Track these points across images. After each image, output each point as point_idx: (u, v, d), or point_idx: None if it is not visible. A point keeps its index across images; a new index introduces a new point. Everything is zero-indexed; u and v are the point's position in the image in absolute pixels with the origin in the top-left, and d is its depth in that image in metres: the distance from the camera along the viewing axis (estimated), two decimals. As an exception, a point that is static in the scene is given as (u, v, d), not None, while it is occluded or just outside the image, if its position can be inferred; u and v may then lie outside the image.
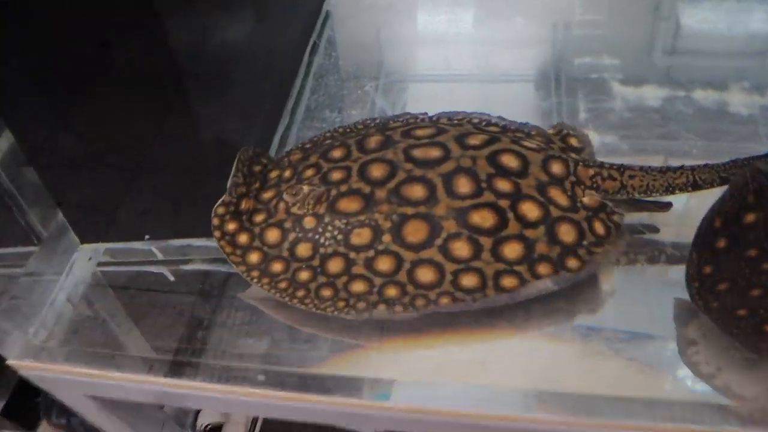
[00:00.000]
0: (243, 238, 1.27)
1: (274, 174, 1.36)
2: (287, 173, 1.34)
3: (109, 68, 1.25)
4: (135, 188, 1.40)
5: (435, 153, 1.27)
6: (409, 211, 1.22)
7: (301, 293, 1.20)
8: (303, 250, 1.24)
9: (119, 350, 1.28)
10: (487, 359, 1.18)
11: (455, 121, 1.46)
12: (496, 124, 1.46)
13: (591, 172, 1.29)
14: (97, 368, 1.24)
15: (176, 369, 1.23)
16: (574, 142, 1.41)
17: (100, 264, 1.42)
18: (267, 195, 1.31)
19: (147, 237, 1.43)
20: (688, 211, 1.35)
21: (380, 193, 1.24)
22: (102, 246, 1.44)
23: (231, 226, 1.28)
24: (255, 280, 1.23)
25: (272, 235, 1.26)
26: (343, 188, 1.26)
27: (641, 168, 1.30)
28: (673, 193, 1.28)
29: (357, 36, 2.07)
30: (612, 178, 1.29)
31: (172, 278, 1.39)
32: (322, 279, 1.21)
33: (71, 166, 1.35)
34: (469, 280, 1.17)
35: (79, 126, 1.31)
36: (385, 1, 2.11)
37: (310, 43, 1.97)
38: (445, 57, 1.92)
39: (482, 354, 1.19)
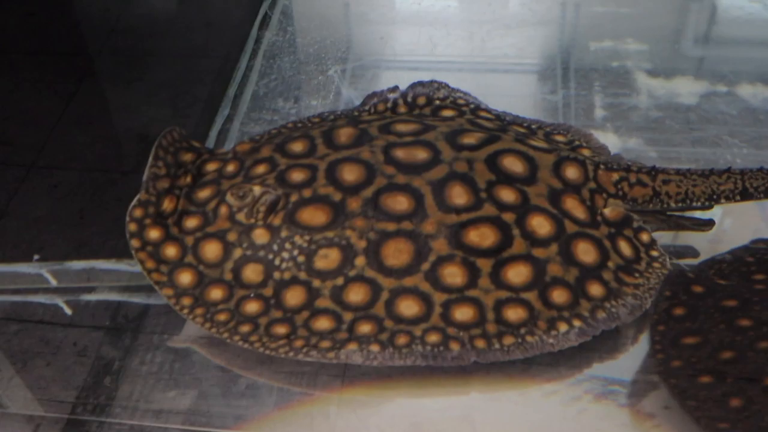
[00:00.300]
0: (170, 251, 1.22)
1: (211, 166, 1.32)
2: (231, 167, 1.30)
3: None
4: (23, 192, 1.37)
5: (422, 155, 1.26)
6: (390, 227, 1.20)
7: (245, 329, 1.16)
8: (251, 273, 1.21)
9: (-5, 405, 1.23)
10: (476, 418, 1.16)
11: (434, 96, 1.47)
12: (486, 110, 1.46)
13: (615, 176, 1.29)
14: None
15: (73, 429, 1.19)
16: (586, 152, 1.41)
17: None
18: (203, 194, 1.27)
19: (36, 257, 1.40)
20: (721, 234, 1.37)
21: (354, 203, 1.22)
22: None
23: (153, 234, 1.23)
24: (186, 311, 1.19)
25: (211, 249, 1.22)
26: (307, 194, 1.23)
27: (678, 171, 1.30)
28: (717, 201, 1.29)
29: (320, 7, 2.06)
30: (642, 184, 1.29)
31: (68, 312, 1.36)
32: (276, 313, 1.17)
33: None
34: (463, 313, 1.15)
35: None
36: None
37: (260, 14, 1.96)
38: (430, 38, 1.92)
39: (470, 411, 1.17)
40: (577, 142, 1.43)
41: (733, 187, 1.28)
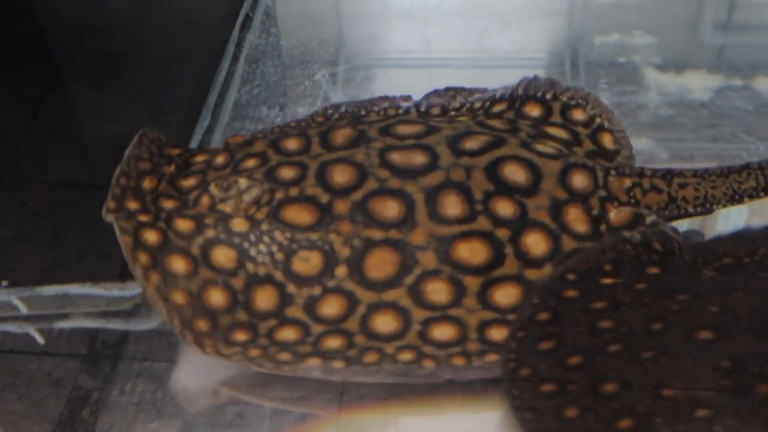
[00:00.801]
0: (144, 217, 1.27)
1: (200, 158, 1.38)
2: (220, 159, 1.36)
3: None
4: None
5: (419, 159, 1.31)
6: (377, 235, 1.25)
7: (202, 326, 1.20)
8: (223, 256, 1.25)
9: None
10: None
11: (449, 107, 1.52)
12: (502, 99, 1.50)
13: (628, 182, 1.33)
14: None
15: (48, 466, 1.23)
16: (607, 141, 1.45)
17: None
18: (187, 182, 1.33)
19: (4, 283, 1.45)
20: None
21: (341, 206, 1.27)
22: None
23: (132, 204, 1.28)
24: (139, 270, 1.22)
25: (183, 224, 1.27)
26: (293, 192, 1.29)
27: (695, 173, 1.34)
28: (740, 201, 1.33)
29: (306, 7, 2.12)
30: (657, 190, 1.33)
31: (41, 340, 1.40)
32: (240, 315, 1.22)
33: None
34: (443, 332, 1.20)
35: None
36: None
37: (241, 15, 2.02)
38: (425, 36, 1.98)
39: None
40: (598, 120, 1.47)
41: (756, 183, 1.32)
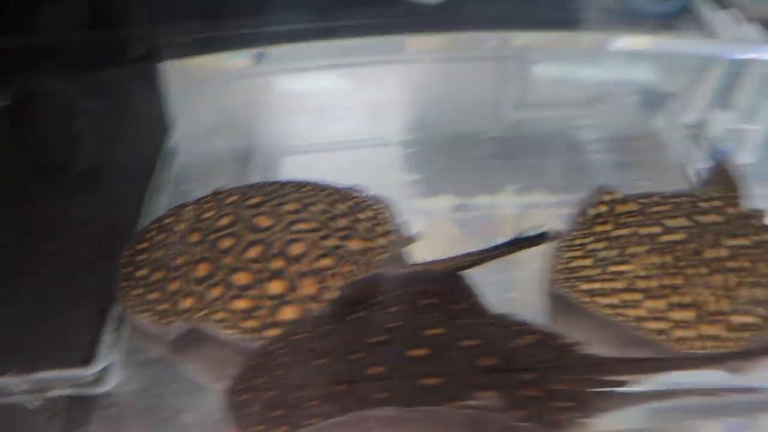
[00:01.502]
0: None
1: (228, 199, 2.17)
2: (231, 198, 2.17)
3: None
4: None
5: (264, 223, 2.00)
6: (228, 242, 1.98)
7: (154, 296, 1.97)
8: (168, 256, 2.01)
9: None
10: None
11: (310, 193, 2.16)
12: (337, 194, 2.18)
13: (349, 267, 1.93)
14: None
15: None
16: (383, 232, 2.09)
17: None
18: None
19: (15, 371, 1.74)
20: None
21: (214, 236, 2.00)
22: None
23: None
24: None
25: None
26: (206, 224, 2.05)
27: None
28: None
29: (206, 163, 2.64)
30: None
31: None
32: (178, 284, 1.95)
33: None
34: (239, 304, 1.87)
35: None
36: (223, 121, 2.80)
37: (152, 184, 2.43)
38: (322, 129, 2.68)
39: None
40: (381, 217, 2.13)
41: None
